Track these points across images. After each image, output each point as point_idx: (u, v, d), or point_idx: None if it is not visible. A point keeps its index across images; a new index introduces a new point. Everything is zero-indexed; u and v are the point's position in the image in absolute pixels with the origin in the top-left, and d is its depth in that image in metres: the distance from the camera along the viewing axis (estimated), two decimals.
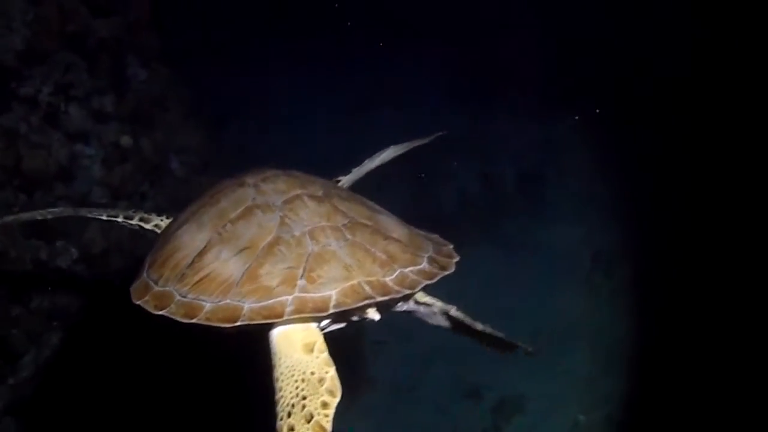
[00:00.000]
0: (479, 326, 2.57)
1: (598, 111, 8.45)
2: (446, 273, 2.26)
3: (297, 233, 2.10)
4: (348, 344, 7.00)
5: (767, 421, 4.69)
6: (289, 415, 1.88)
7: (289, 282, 1.97)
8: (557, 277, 7.01)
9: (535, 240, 7.42)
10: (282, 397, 1.93)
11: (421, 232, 2.45)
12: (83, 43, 4.82)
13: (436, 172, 8.39)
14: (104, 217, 2.68)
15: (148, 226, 2.65)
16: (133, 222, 2.66)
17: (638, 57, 8.32)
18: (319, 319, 2.07)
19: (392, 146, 3.15)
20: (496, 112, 9.06)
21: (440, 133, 3.35)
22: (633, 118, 8.39)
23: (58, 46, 4.63)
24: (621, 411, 5.82)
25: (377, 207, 2.46)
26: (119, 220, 2.67)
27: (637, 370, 6.06)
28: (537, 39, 9.05)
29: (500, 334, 2.58)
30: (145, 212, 2.69)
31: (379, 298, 2.00)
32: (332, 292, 1.97)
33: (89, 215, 2.74)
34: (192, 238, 2.19)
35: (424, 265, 2.20)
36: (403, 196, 8.27)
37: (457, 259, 2.37)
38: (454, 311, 2.61)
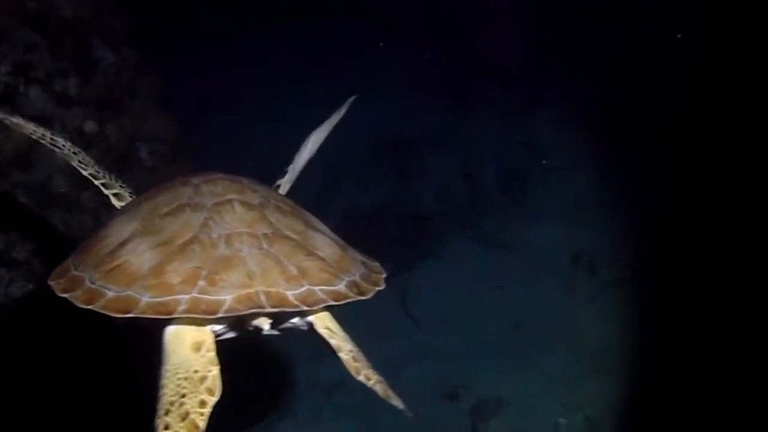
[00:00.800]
0: (363, 378, 2.37)
1: (582, 110, 8.37)
2: (358, 298, 2.19)
3: (214, 235, 2.11)
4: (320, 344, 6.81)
5: (753, 421, 4.58)
6: (167, 412, 1.87)
7: (190, 281, 1.97)
8: (537, 275, 6.86)
9: (515, 238, 7.28)
10: (164, 394, 1.92)
11: (358, 257, 2.41)
12: (45, 21, 4.56)
13: (417, 170, 8.23)
14: (67, 152, 2.65)
15: (107, 192, 2.63)
16: (97, 181, 2.63)
17: (621, 56, 8.24)
18: (212, 322, 2.06)
19: (313, 132, 3.06)
20: (480, 110, 8.92)
21: (354, 97, 3.21)
22: (617, 117, 8.31)
23: (17, 24, 4.36)
24: (602, 413, 5.68)
25: (318, 225, 2.43)
26: (83, 166, 2.65)
27: (619, 372, 5.93)
28: (522, 36, 8.91)
29: (382, 393, 2.38)
30: (119, 181, 2.66)
31: (270, 309, 1.97)
32: (227, 297, 1.96)
33: (56, 147, 2.66)
34: (121, 228, 2.21)
35: (340, 286, 2.17)
36: (383, 193, 8.12)
37: (381, 287, 2.32)
38: (344, 355, 2.37)
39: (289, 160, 2.96)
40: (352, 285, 2.20)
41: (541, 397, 5.92)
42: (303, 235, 2.26)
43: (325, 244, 2.29)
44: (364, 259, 2.41)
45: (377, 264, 2.45)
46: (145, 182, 5.17)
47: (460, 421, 5.94)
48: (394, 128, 8.67)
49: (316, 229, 2.35)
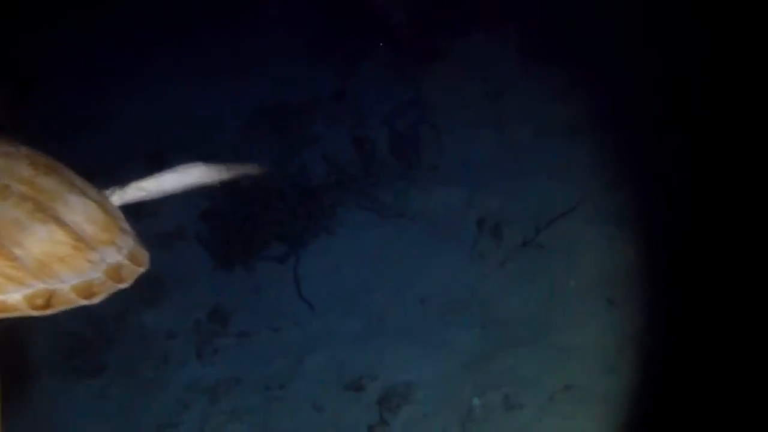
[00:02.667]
0: None
1: (475, 66, 7.87)
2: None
3: None
4: (201, 338, 6.01)
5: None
6: None
7: None
8: (441, 245, 6.30)
9: (414, 206, 6.68)
10: None
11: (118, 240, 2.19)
12: None
13: (302, 139, 7.46)
14: None
15: None
16: None
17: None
18: None
19: (190, 167, 2.73)
20: (363, 71, 8.21)
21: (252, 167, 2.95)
22: (507, 70, 7.87)
23: None
24: (519, 390, 5.19)
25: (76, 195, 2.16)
26: None
27: (535, 343, 5.47)
28: None
29: None
30: None
31: None
32: None
33: None
34: None
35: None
36: (266, 166, 7.29)
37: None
38: None
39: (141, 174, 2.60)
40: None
41: (454, 378, 5.38)
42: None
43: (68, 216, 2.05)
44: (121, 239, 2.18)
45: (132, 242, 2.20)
46: None
47: (367, 413, 5.31)
48: (276, 95, 7.85)
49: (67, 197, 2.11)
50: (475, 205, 6.55)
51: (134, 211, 6.66)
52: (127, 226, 2.29)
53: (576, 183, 6.49)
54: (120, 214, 2.33)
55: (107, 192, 2.48)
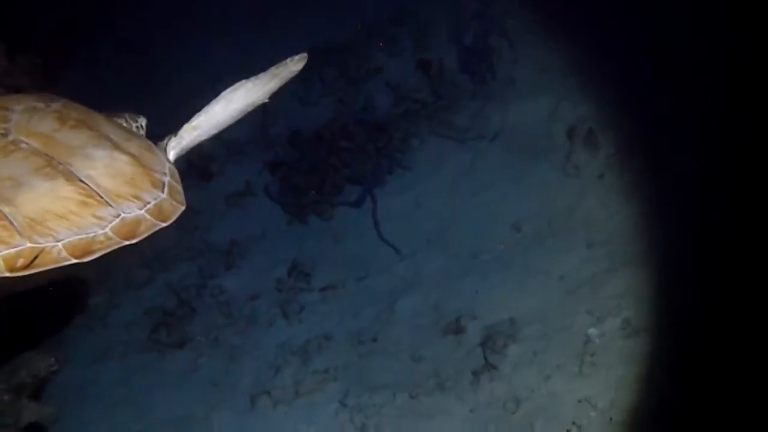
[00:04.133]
0: None
1: None
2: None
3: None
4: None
5: None
6: None
7: None
8: (530, 162, 5.66)
9: (494, 125, 6.04)
10: None
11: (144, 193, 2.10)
12: None
13: (364, 70, 6.87)
14: None
15: None
16: None
17: None
18: None
19: (240, 85, 2.50)
20: None
21: (303, 56, 2.69)
22: None
23: None
24: (640, 313, 4.57)
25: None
26: None
27: (647, 260, 4.82)
28: None
29: None
30: None
31: None
32: None
33: None
34: None
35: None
36: (329, 105, 6.79)
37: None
38: None
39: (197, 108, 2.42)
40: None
41: (563, 308, 4.82)
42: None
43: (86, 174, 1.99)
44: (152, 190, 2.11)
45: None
46: None
47: (472, 357, 4.83)
48: (331, 30, 7.25)
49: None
50: (562, 115, 5.83)
51: (200, 174, 6.23)
52: (166, 177, 2.18)
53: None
54: (162, 165, 2.22)
55: (163, 143, 2.40)
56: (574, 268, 4.99)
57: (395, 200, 5.98)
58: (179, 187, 2.22)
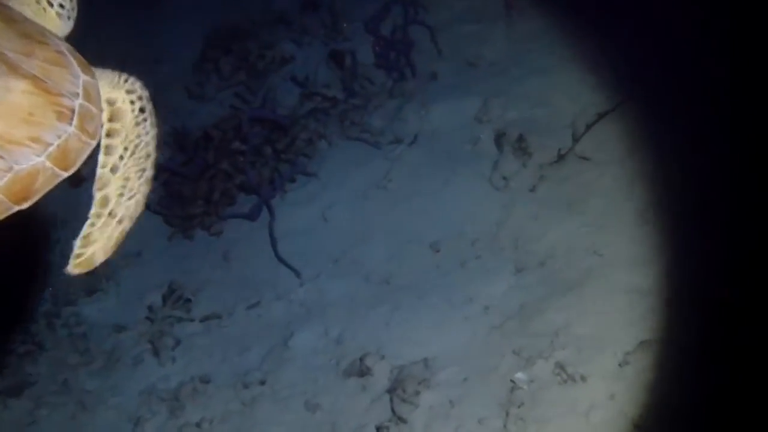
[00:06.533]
0: None
1: None
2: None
3: None
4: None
5: None
6: None
7: None
8: (451, 173, 4.87)
9: (413, 127, 5.24)
10: None
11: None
12: None
13: (268, 61, 5.99)
14: None
15: None
16: None
17: None
18: None
19: None
20: None
21: None
22: None
23: None
24: (577, 355, 3.82)
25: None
26: None
27: (586, 285, 4.07)
28: None
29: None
30: None
31: None
32: None
33: None
34: None
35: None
36: (225, 100, 5.89)
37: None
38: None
39: None
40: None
41: (487, 346, 4.02)
42: None
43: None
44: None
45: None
46: None
47: (377, 407, 3.98)
48: (232, 12, 6.35)
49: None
50: (490, 117, 5.07)
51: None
52: (77, 100, 1.79)
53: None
54: (75, 81, 1.81)
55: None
56: (500, 296, 4.21)
57: (297, 213, 5.10)
58: (94, 110, 1.85)
